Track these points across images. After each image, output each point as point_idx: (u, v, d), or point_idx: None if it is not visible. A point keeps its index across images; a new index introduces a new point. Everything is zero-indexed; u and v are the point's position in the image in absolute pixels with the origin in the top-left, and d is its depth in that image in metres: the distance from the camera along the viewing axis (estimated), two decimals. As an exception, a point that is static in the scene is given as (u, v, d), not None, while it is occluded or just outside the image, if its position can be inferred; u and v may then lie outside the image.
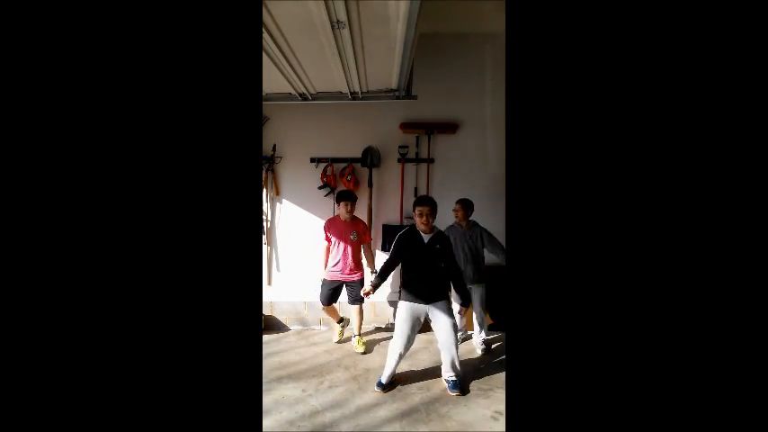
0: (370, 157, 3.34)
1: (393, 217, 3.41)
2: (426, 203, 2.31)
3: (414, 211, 2.36)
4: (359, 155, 3.36)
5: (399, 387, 2.39)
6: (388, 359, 2.37)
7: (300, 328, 3.42)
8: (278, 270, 3.50)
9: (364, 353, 2.88)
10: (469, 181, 3.39)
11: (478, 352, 2.92)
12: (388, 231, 3.36)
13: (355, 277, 2.97)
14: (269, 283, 3.48)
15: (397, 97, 2.95)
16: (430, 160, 3.38)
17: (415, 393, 2.32)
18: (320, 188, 3.36)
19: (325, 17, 1.74)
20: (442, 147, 3.41)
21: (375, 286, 2.37)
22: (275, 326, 3.46)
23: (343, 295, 3.05)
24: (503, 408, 2.13)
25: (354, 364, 2.73)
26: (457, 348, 2.34)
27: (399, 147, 3.38)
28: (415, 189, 3.38)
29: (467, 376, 2.52)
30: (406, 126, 3.34)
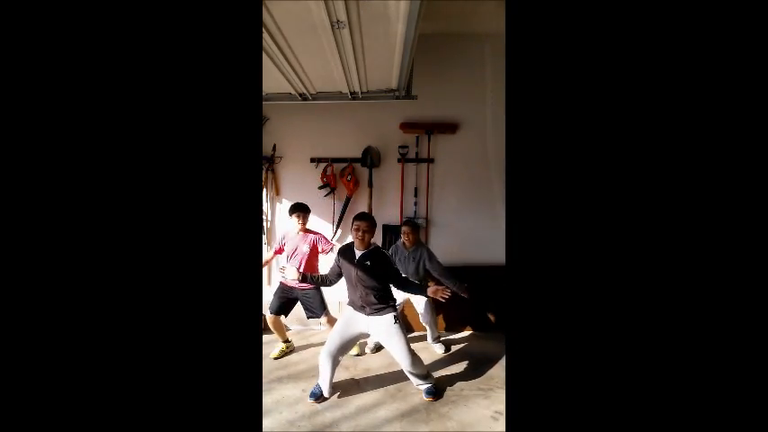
0: (370, 158, 3.34)
1: (393, 217, 3.41)
2: (363, 219, 2.23)
3: (351, 226, 2.26)
4: (359, 155, 3.36)
5: (399, 387, 2.39)
6: (322, 365, 2.24)
7: (300, 328, 3.41)
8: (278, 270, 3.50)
9: (359, 354, 2.87)
10: (469, 181, 3.40)
11: (438, 352, 2.94)
12: (389, 231, 3.39)
13: (311, 287, 2.66)
14: (269, 283, 3.47)
15: (397, 97, 2.94)
16: (430, 160, 3.38)
17: (415, 393, 2.32)
18: (320, 188, 3.36)
19: (325, 17, 1.73)
20: (442, 147, 3.40)
21: (313, 278, 2.40)
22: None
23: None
24: (503, 408, 2.13)
25: (354, 364, 2.73)
26: (413, 362, 2.21)
27: (399, 147, 3.38)
28: (416, 189, 3.38)
29: (466, 376, 2.52)
30: (406, 126, 3.34)
